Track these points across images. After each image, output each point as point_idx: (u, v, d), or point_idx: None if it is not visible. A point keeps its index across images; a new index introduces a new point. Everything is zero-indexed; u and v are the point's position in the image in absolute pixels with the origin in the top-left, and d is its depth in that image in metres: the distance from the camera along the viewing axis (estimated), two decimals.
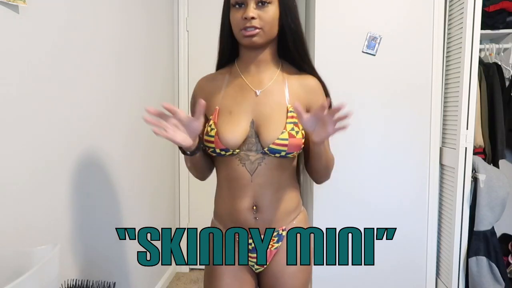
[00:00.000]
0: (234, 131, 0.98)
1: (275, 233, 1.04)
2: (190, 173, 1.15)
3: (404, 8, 2.05)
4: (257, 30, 0.96)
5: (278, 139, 0.96)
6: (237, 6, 0.97)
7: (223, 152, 0.99)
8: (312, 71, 1.09)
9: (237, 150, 0.99)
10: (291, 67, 1.08)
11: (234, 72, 1.07)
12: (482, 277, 1.92)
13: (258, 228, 1.03)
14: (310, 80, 1.07)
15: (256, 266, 1.08)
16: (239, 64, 1.08)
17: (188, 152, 0.96)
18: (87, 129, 1.55)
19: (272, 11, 0.97)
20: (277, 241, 1.05)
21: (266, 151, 0.98)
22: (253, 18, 0.95)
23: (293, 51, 1.05)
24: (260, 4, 0.96)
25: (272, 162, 0.99)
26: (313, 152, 0.99)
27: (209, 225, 1.15)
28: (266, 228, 1.04)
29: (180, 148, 0.96)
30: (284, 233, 1.05)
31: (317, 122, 0.87)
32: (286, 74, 1.06)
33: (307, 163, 1.10)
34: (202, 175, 1.13)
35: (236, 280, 1.05)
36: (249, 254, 1.06)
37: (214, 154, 1.01)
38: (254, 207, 1.00)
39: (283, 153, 0.97)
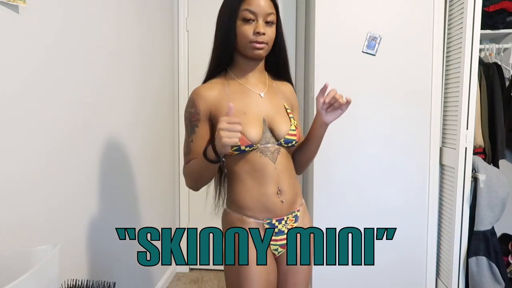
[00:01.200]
0: (254, 129, 1.11)
1: (293, 214, 1.19)
2: (188, 184, 1.19)
3: (404, 8, 2.05)
4: (264, 45, 1.11)
5: (290, 130, 1.15)
6: (248, 21, 1.10)
7: (247, 148, 1.11)
8: (290, 79, 1.30)
9: (257, 145, 1.12)
10: (271, 75, 1.28)
11: (231, 80, 1.19)
12: (482, 277, 1.92)
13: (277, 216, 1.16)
14: (289, 85, 1.30)
15: (279, 249, 1.18)
16: (235, 72, 1.19)
17: (224, 159, 1.05)
18: (87, 129, 1.55)
19: (274, 30, 1.14)
20: (295, 221, 1.19)
21: (282, 142, 1.15)
22: (263, 34, 1.09)
23: (279, 63, 1.23)
24: (266, 23, 1.11)
25: (284, 151, 1.17)
26: (315, 135, 1.18)
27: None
28: (266, 229, 1.15)
29: (214, 157, 1.02)
30: (299, 214, 1.21)
31: (330, 104, 1.09)
32: (273, 80, 1.27)
33: (298, 149, 1.26)
34: (204, 184, 1.18)
35: (263, 267, 1.13)
36: (274, 238, 1.16)
37: (236, 152, 1.11)
38: (278, 191, 1.14)
39: (294, 142, 1.17)
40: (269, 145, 1.13)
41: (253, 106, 1.15)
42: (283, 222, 1.16)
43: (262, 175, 1.13)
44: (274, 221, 1.15)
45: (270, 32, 1.11)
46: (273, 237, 1.15)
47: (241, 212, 1.15)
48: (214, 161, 1.03)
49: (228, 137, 0.94)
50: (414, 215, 2.11)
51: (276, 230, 1.15)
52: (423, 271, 2.14)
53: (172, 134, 2.67)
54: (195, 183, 1.16)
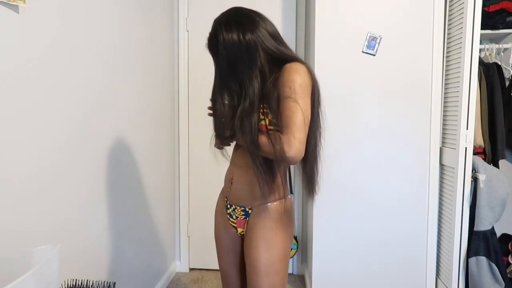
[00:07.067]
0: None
1: (242, 208, 1.29)
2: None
3: (404, 8, 2.05)
4: None
5: None
6: None
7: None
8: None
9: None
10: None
11: None
12: (482, 277, 1.92)
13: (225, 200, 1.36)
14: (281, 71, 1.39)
15: (239, 230, 1.34)
16: None
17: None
18: (86, 129, 1.55)
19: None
20: (244, 216, 1.29)
21: None
22: None
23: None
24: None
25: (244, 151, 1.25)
26: None
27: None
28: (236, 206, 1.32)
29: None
30: (251, 212, 1.28)
31: None
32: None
33: None
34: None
35: (226, 233, 1.36)
36: (230, 220, 1.33)
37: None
38: (231, 180, 1.31)
39: None
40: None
41: None
42: (231, 208, 1.32)
43: (230, 164, 1.35)
44: (227, 202, 1.34)
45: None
46: (230, 219, 1.34)
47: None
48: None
49: None
50: (414, 215, 2.12)
51: (229, 210, 1.33)
52: (423, 271, 2.15)
53: (172, 134, 2.66)
54: None
